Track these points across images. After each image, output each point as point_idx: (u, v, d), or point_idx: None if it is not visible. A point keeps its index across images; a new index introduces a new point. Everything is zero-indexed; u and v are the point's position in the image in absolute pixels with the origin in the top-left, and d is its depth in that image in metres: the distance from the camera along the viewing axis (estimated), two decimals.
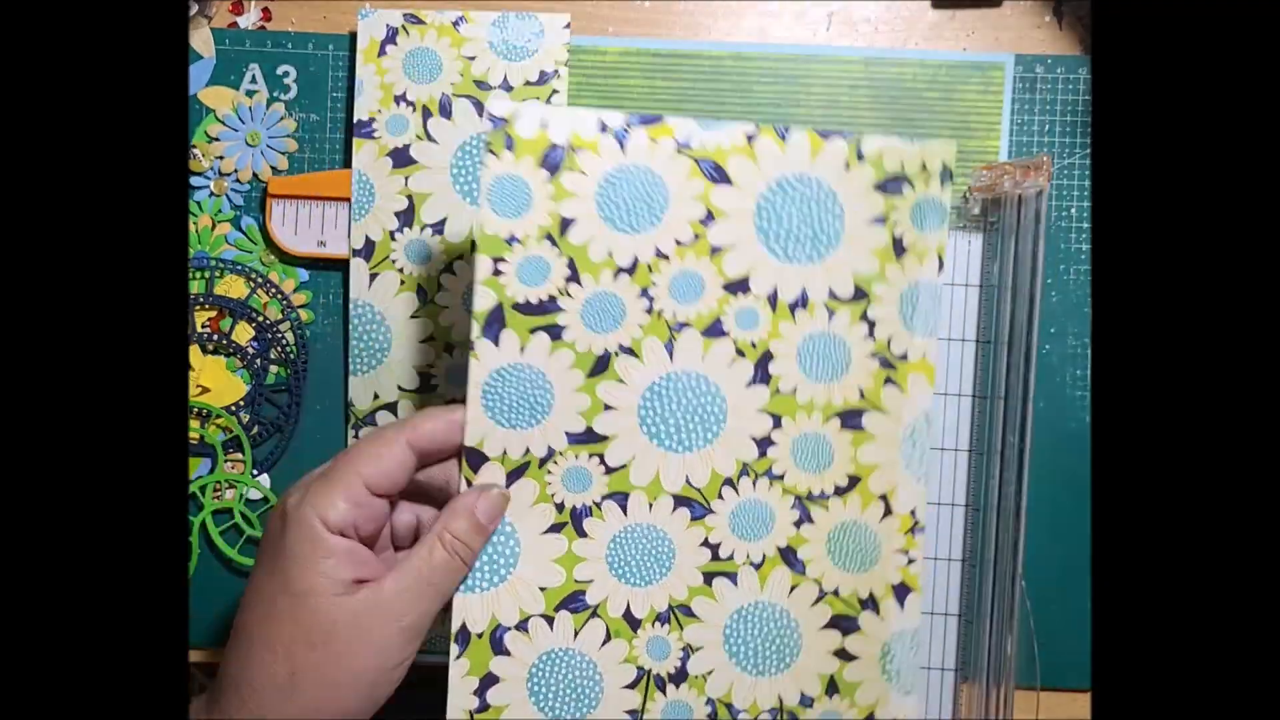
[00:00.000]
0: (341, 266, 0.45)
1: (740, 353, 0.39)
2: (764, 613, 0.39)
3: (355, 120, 0.44)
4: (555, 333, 0.38)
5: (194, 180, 0.46)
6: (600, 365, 0.39)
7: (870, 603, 0.39)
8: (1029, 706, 0.44)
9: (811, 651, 0.39)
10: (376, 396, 0.44)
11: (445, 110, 0.44)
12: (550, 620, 0.38)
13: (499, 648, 0.38)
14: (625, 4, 0.46)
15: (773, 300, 0.39)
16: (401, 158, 0.44)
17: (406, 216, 0.44)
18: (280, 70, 0.46)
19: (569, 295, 0.38)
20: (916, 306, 0.40)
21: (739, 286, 0.39)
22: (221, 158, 0.46)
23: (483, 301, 0.38)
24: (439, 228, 0.44)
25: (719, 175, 0.39)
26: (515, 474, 0.38)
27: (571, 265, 0.38)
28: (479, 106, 0.44)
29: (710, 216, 0.39)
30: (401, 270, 0.44)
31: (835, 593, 0.40)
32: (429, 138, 0.44)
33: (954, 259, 0.45)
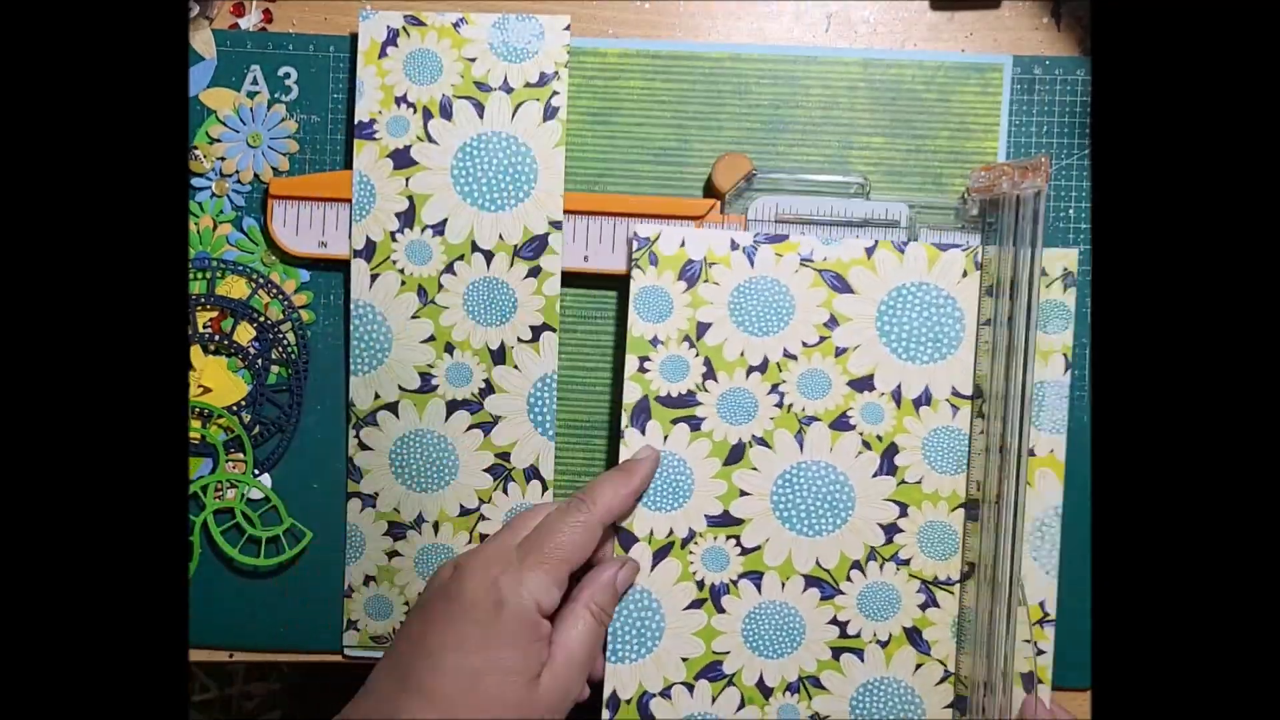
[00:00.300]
0: (342, 267, 0.46)
1: (867, 445, 0.42)
2: (889, 688, 0.42)
3: (356, 121, 0.44)
4: (694, 424, 0.41)
5: (195, 181, 0.46)
6: (735, 454, 0.42)
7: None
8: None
9: None
10: (377, 396, 0.45)
11: (446, 112, 0.44)
12: (690, 688, 0.42)
13: (645, 712, 0.41)
14: (625, 5, 0.46)
15: (897, 397, 0.42)
16: (402, 159, 0.44)
17: (407, 217, 0.44)
18: (281, 71, 0.46)
19: (706, 390, 0.41)
20: (1043, 404, 0.42)
21: (864, 384, 0.42)
22: (223, 159, 0.46)
23: (630, 394, 0.41)
24: (439, 229, 0.44)
25: (841, 285, 0.41)
26: (660, 553, 0.42)
27: (708, 364, 0.41)
28: (479, 108, 0.44)
29: (834, 321, 0.42)
30: (402, 271, 0.44)
31: (960, 675, 0.42)
32: (429, 139, 0.44)
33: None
